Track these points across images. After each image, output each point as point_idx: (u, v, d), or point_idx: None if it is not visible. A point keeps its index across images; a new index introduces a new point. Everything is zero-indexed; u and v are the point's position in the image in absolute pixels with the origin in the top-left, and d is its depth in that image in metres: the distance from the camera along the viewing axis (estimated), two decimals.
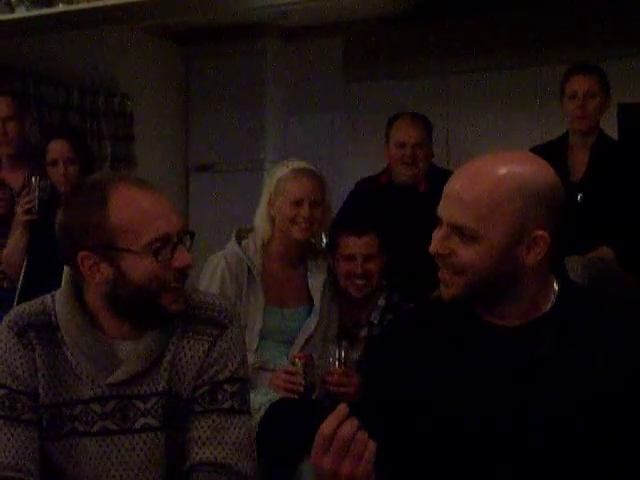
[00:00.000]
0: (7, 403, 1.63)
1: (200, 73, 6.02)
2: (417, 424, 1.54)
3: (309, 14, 5.40)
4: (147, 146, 5.68)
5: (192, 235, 1.68)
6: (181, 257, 1.62)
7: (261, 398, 2.55)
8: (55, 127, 4.79)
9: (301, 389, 2.58)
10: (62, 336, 1.66)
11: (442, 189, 1.56)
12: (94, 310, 1.67)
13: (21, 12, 3.45)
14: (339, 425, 1.32)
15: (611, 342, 1.52)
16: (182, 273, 1.64)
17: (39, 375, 1.65)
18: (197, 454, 1.64)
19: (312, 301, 2.83)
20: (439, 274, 1.56)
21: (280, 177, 2.80)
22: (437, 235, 1.54)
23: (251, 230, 2.87)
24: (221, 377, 1.68)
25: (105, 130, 5.38)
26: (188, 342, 1.69)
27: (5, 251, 3.52)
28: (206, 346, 1.68)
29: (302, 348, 2.76)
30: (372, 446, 1.33)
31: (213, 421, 1.66)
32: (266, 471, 2.36)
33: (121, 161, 5.46)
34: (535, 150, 2.74)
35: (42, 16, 3.39)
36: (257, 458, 1.72)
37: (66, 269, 1.72)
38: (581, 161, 3.31)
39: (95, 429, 1.65)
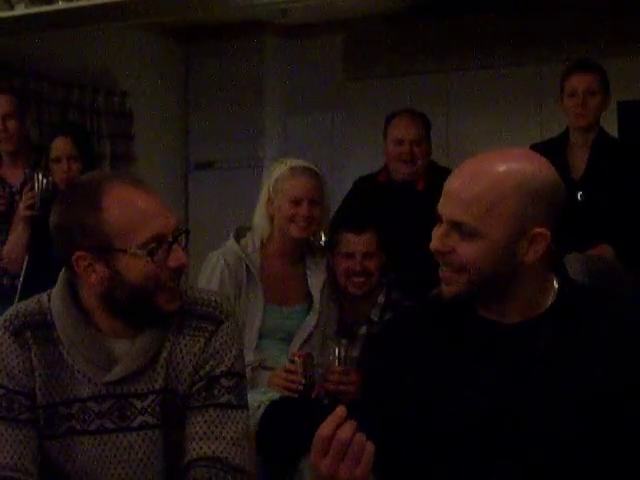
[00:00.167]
0: (4, 403, 1.63)
1: (199, 71, 6.03)
2: (416, 422, 1.54)
3: (308, 12, 5.40)
4: (146, 144, 5.69)
5: (187, 234, 1.68)
6: (176, 256, 1.62)
7: (260, 397, 2.55)
8: (58, 124, 4.81)
9: (301, 387, 2.58)
10: (58, 335, 1.65)
11: (440, 187, 1.55)
12: (89, 309, 1.67)
13: (20, 9, 3.46)
14: (338, 427, 1.32)
15: (610, 340, 1.52)
16: (177, 272, 1.64)
17: (36, 374, 1.64)
18: (194, 449, 1.64)
19: (311, 299, 2.82)
20: (439, 272, 1.56)
21: (279, 175, 2.79)
22: (437, 232, 1.54)
23: (250, 228, 2.86)
24: (217, 372, 1.68)
25: (104, 128, 5.39)
26: (184, 339, 1.68)
27: (6, 247, 3.53)
28: (202, 342, 1.68)
29: (301, 346, 2.76)
30: (370, 448, 1.33)
31: (210, 416, 1.65)
32: (266, 469, 2.36)
33: (120, 159, 5.47)
34: (535, 148, 2.74)
35: (41, 13, 3.40)
36: (257, 456, 1.72)
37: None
38: (581, 159, 3.31)
39: (92, 428, 1.65)
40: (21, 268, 3.44)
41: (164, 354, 1.67)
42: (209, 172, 6.01)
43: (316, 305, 2.81)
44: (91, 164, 3.47)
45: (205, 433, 1.64)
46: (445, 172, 2.15)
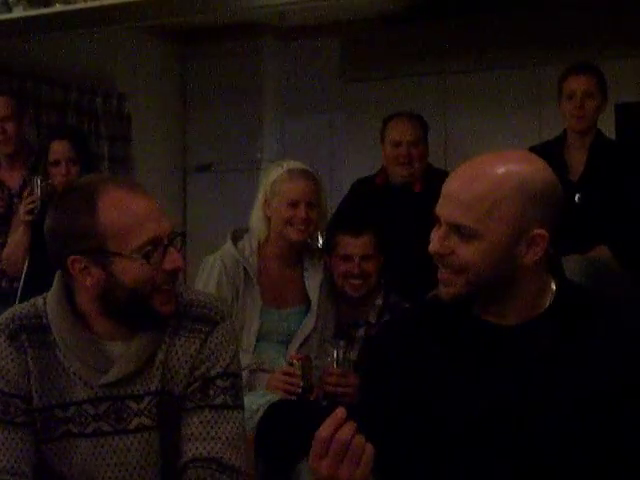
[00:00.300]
0: (0, 406, 1.63)
1: (198, 73, 6.02)
2: (415, 424, 1.54)
3: (306, 14, 5.40)
4: (145, 146, 5.68)
5: (183, 236, 1.68)
6: (172, 259, 1.62)
7: (259, 399, 2.54)
8: (57, 127, 4.81)
9: (299, 390, 2.58)
10: (54, 338, 1.65)
11: (438, 189, 1.55)
12: (85, 312, 1.67)
13: (19, 12, 3.46)
14: (337, 429, 1.32)
15: (608, 341, 1.52)
16: (173, 275, 1.64)
17: (32, 378, 1.64)
18: (190, 450, 1.64)
19: (309, 301, 2.82)
20: (438, 274, 1.56)
21: (276, 178, 2.79)
22: (436, 234, 1.54)
23: (247, 231, 2.86)
24: (213, 373, 1.68)
25: (103, 130, 5.38)
26: (180, 340, 1.68)
27: (6, 250, 3.54)
28: (198, 343, 1.68)
29: (299, 348, 2.76)
30: (370, 450, 1.33)
31: (205, 417, 1.66)
32: (264, 472, 2.36)
33: (119, 161, 5.45)
34: (533, 150, 2.73)
35: (40, 16, 3.41)
36: (255, 459, 1.73)
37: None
38: (579, 161, 3.31)
39: (89, 430, 1.65)
40: (21, 271, 3.45)
41: (160, 356, 1.67)
42: (207, 174, 6.00)
43: (314, 307, 2.81)
44: (89, 167, 3.48)
45: (201, 434, 1.64)
46: (442, 174, 2.16)
